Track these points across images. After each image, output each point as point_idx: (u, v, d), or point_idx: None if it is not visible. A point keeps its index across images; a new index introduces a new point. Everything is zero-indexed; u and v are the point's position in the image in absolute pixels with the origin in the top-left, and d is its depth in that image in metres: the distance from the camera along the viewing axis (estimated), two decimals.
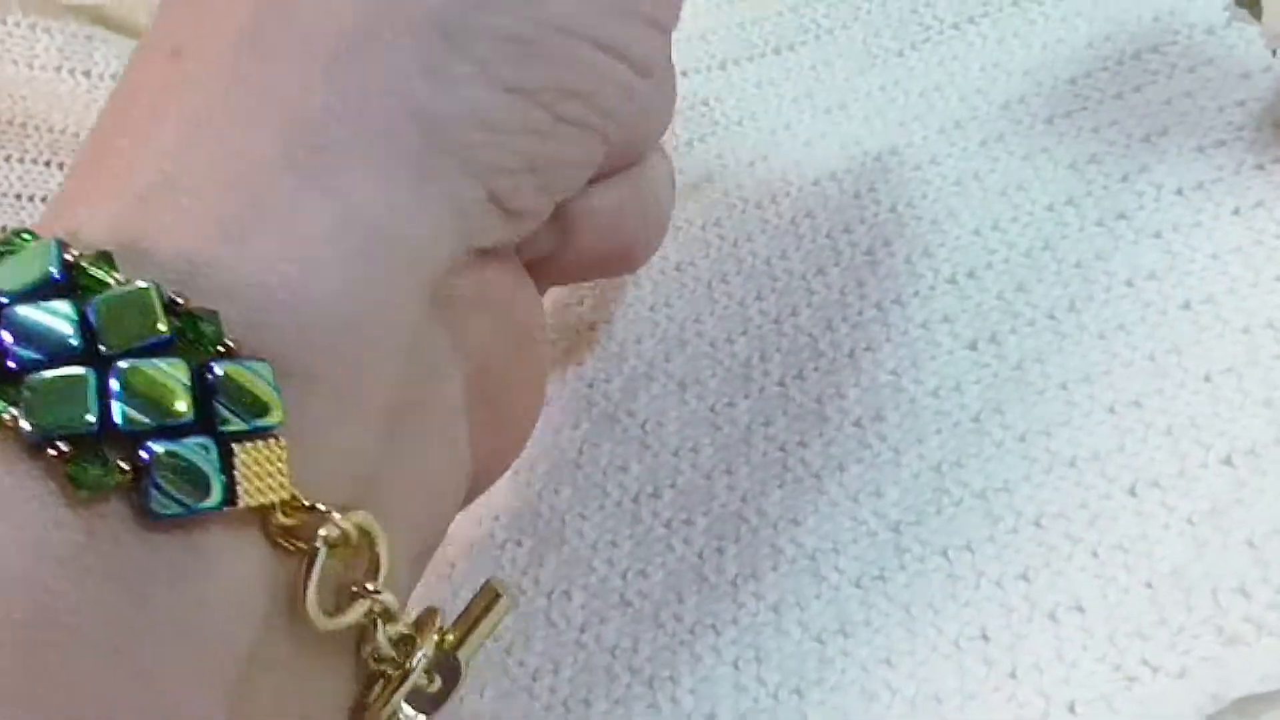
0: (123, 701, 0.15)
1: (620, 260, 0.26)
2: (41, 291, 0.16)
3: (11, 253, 0.16)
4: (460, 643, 0.20)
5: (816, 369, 0.28)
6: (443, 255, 0.19)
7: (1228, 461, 0.21)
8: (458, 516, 0.29)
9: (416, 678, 0.19)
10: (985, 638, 0.21)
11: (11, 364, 0.15)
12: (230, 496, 0.16)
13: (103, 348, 0.15)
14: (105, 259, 0.16)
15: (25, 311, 0.15)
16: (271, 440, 0.16)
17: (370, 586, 0.18)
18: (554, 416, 0.30)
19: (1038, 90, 0.32)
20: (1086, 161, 0.29)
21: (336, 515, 0.17)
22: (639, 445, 0.28)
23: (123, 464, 0.15)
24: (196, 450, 0.16)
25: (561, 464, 0.29)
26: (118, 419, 0.15)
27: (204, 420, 0.16)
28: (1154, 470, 0.22)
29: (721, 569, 0.25)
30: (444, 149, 0.19)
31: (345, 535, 0.17)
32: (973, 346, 0.26)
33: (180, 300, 0.16)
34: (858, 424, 0.26)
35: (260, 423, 0.16)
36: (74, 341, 0.15)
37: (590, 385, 0.31)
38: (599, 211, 0.24)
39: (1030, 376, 0.25)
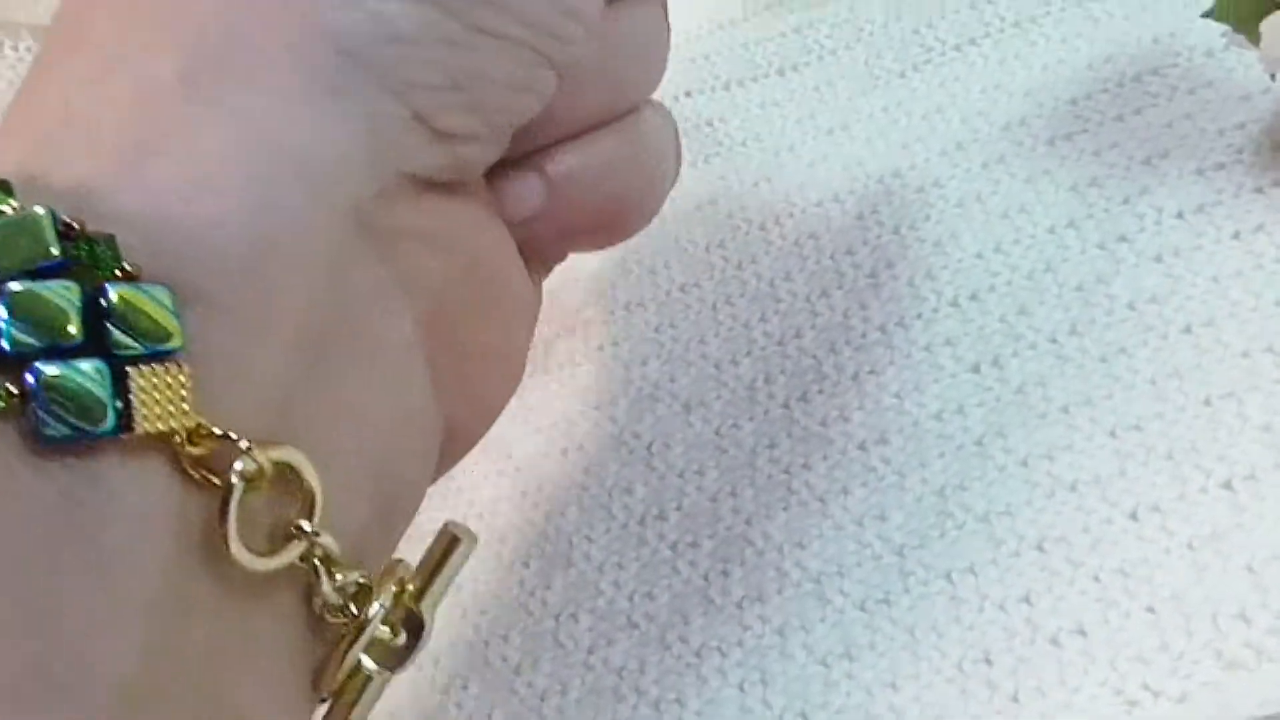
0: (18, 640, 0.14)
1: (615, 220, 0.25)
2: None
3: None
4: (421, 593, 0.19)
5: (821, 391, 0.28)
6: (363, 177, 0.19)
7: (1228, 486, 0.22)
8: None
9: (374, 630, 0.18)
10: (988, 661, 0.21)
11: None
12: (126, 422, 0.15)
13: None
14: (4, 188, 0.16)
15: None
16: (171, 365, 0.16)
17: (306, 527, 0.17)
18: (560, 438, 0.31)
19: (1039, 112, 0.32)
20: (1087, 184, 0.29)
21: (245, 443, 0.16)
22: (645, 467, 0.28)
23: (11, 387, 0.15)
24: (87, 373, 0.15)
25: (568, 486, 0.29)
26: (4, 342, 0.15)
27: (98, 344, 0.15)
28: (1155, 494, 0.22)
29: (727, 591, 0.25)
30: (355, 64, 0.19)
31: (262, 469, 0.16)
32: (975, 369, 0.26)
33: (76, 226, 0.16)
34: (862, 447, 0.26)
35: (158, 347, 0.16)
36: None
37: (596, 407, 0.31)
38: (586, 165, 0.23)
39: (1032, 400, 0.25)
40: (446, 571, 0.19)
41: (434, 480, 0.22)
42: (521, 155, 0.22)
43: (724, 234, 0.34)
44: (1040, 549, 0.22)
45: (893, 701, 0.22)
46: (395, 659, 0.19)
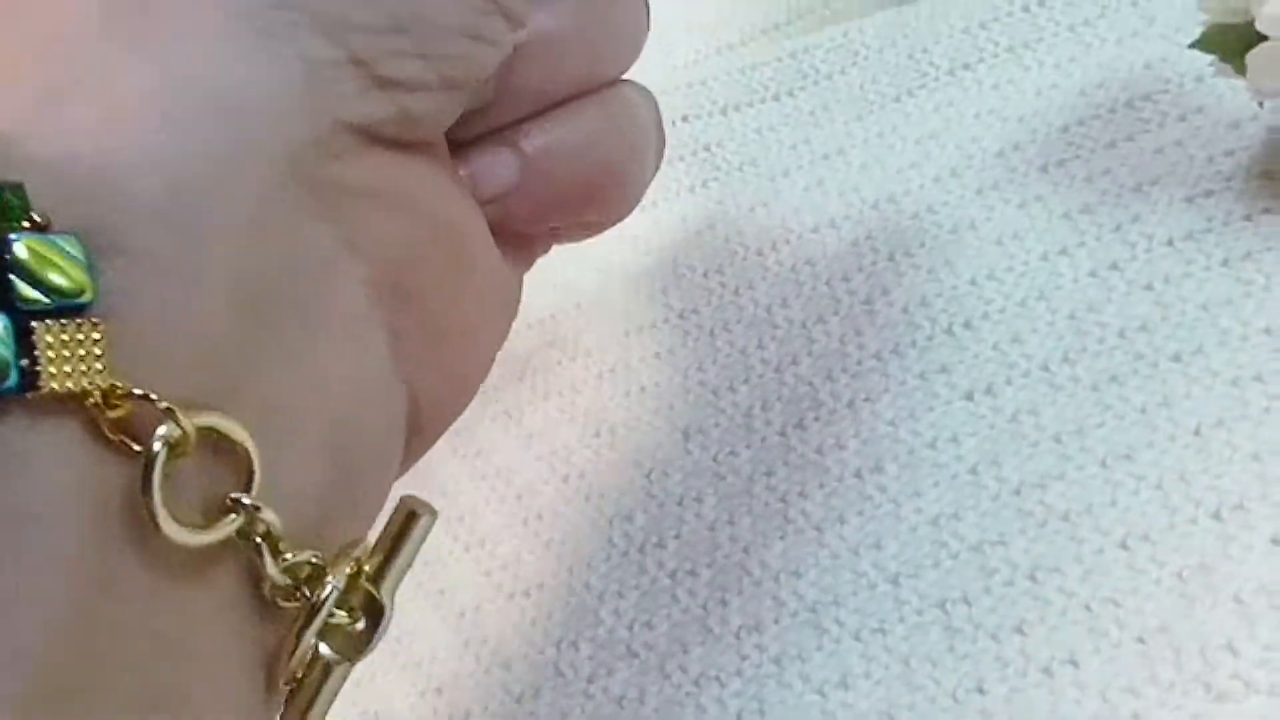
0: None
1: (593, 198, 0.23)
2: None
3: None
4: (379, 573, 0.18)
5: (817, 419, 0.28)
6: (297, 124, 0.18)
7: (1216, 516, 0.22)
8: (465, 567, 0.30)
9: (327, 614, 0.17)
10: (982, 690, 0.22)
11: None
12: (31, 381, 0.14)
13: None
14: None
15: None
16: (84, 321, 0.15)
17: (244, 500, 0.16)
18: (560, 465, 0.31)
19: (1032, 138, 0.32)
20: (1079, 211, 0.29)
21: (165, 404, 0.15)
22: (644, 495, 0.29)
23: None
24: None
25: (568, 513, 0.30)
26: None
27: (3, 299, 0.15)
28: (1145, 524, 0.22)
29: (725, 620, 0.25)
30: (286, 4, 0.18)
31: (186, 435, 0.15)
32: (969, 397, 0.27)
33: None
34: (857, 475, 0.26)
35: (69, 302, 0.15)
36: None
37: (596, 434, 0.31)
38: (561, 138, 0.22)
39: (1025, 428, 0.25)
40: (406, 549, 0.18)
41: (408, 464, 0.21)
42: (494, 130, 0.22)
43: (721, 259, 0.34)
44: (1033, 578, 0.23)
45: None
46: (355, 647, 0.18)
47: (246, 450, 0.16)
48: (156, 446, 0.15)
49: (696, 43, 0.42)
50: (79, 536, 0.15)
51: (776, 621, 0.25)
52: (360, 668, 0.28)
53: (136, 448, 0.15)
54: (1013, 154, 0.32)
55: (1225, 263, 0.26)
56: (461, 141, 0.21)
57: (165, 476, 0.15)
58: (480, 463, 0.32)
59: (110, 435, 0.15)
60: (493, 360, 0.23)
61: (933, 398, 0.27)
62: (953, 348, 0.28)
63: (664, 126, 0.25)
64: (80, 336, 0.15)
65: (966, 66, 0.36)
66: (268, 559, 0.17)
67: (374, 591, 0.18)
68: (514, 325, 0.23)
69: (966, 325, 0.28)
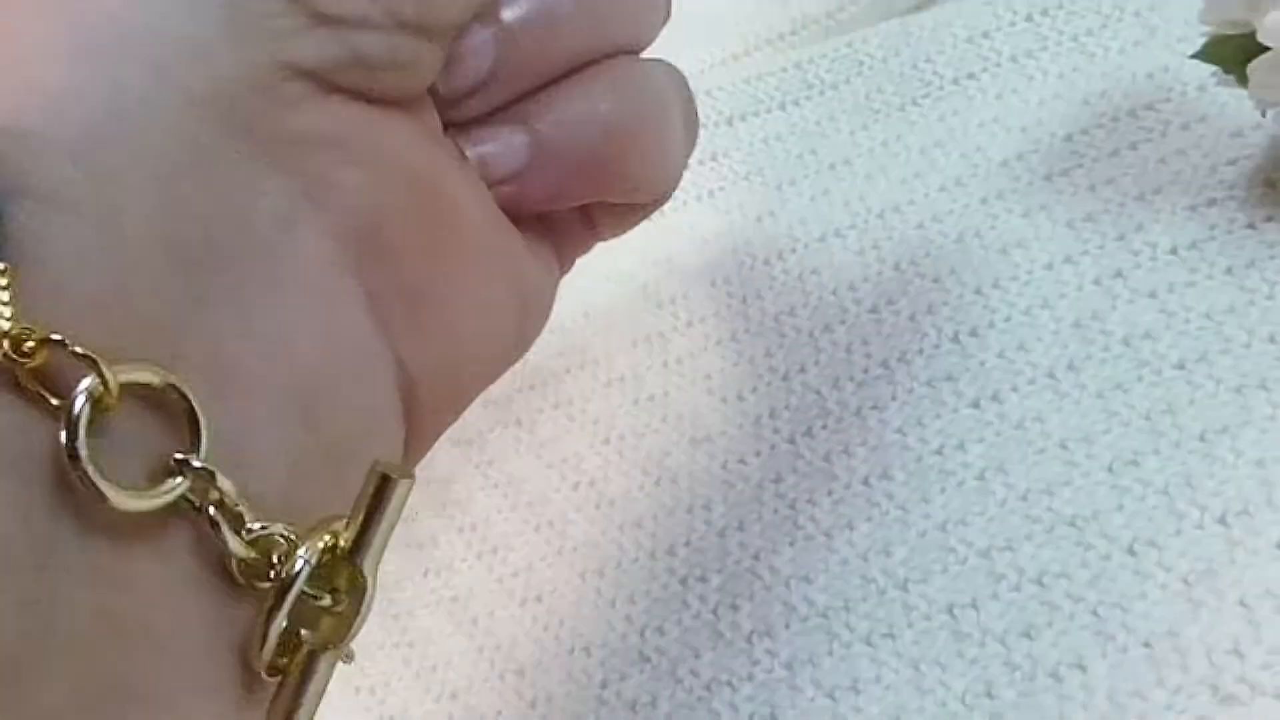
0: None
1: (611, 169, 0.22)
2: None
3: None
4: (357, 546, 0.16)
5: (825, 427, 0.29)
6: (224, 63, 0.17)
7: (1222, 521, 0.22)
8: (477, 574, 0.30)
9: (298, 592, 0.16)
10: (990, 695, 0.22)
11: None
12: None
13: None
14: None
15: None
16: None
17: (193, 462, 0.15)
18: (571, 473, 0.31)
19: (1036, 147, 0.33)
20: (1083, 220, 0.30)
21: (83, 350, 0.14)
22: (654, 502, 0.29)
23: None
24: None
25: (579, 521, 0.30)
26: None
27: None
28: (1151, 530, 0.23)
29: (736, 625, 0.26)
30: None
31: (108, 386, 0.14)
32: (975, 405, 0.27)
33: None
34: (866, 482, 0.27)
35: None
36: None
37: (606, 441, 0.31)
38: (571, 112, 0.21)
39: (1031, 435, 0.26)
40: (383, 519, 0.16)
41: (417, 448, 0.20)
42: (498, 110, 0.21)
43: (728, 269, 0.35)
44: (1040, 583, 0.23)
45: None
46: (339, 631, 0.16)
47: (190, 408, 0.15)
48: (78, 399, 0.14)
49: (702, 53, 0.43)
50: (5, 501, 0.14)
51: (787, 627, 0.25)
52: (375, 674, 0.28)
53: (55, 402, 0.14)
54: (1017, 163, 0.32)
55: (1229, 271, 0.26)
56: (465, 124, 0.21)
57: (95, 435, 0.14)
58: (492, 471, 0.32)
59: (29, 387, 0.14)
60: (499, 341, 0.21)
61: (939, 405, 0.27)
62: (959, 356, 0.28)
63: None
64: None
65: (970, 76, 0.36)
66: (225, 530, 0.15)
67: (356, 567, 0.16)
68: None
69: (972, 333, 0.28)
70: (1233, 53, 0.26)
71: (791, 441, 0.29)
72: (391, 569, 0.30)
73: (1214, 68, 0.27)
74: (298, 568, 0.16)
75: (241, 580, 0.16)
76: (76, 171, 0.15)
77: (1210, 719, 0.20)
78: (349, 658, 0.17)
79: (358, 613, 0.16)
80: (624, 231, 0.25)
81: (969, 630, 0.23)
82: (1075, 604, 0.22)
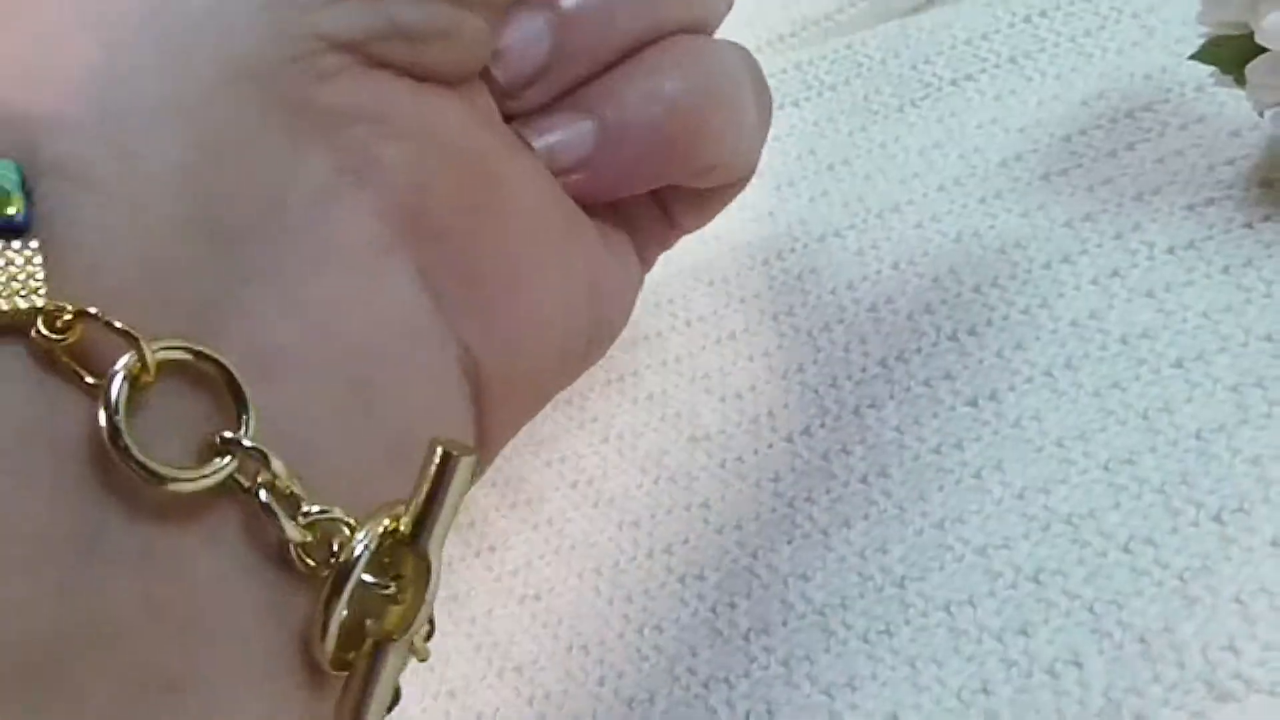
0: None
1: (679, 149, 0.21)
2: None
3: None
4: (419, 528, 0.15)
5: (823, 425, 0.29)
6: (259, 38, 0.16)
7: (1218, 519, 0.22)
8: (475, 572, 0.30)
9: (358, 579, 0.15)
10: (987, 691, 0.22)
11: None
12: None
13: None
14: None
15: None
16: (16, 240, 0.14)
17: (243, 441, 0.15)
18: (570, 472, 0.31)
19: (1034, 147, 0.33)
20: (1082, 219, 0.30)
21: (119, 324, 0.14)
22: (652, 500, 0.29)
23: None
24: None
25: (578, 519, 0.30)
26: None
27: None
28: (1147, 527, 0.23)
29: (734, 623, 0.26)
30: None
31: (145, 360, 0.14)
32: (973, 404, 0.27)
33: None
34: (864, 480, 0.27)
35: None
36: None
37: (605, 440, 0.32)
38: (632, 90, 0.20)
39: (1029, 434, 0.26)
40: (446, 498, 0.16)
41: (493, 439, 0.19)
42: (560, 99, 0.21)
43: (727, 268, 0.35)
44: (1037, 581, 0.23)
45: None
46: (405, 620, 0.16)
47: (235, 385, 0.15)
48: (117, 375, 0.14)
49: None
50: (43, 482, 0.13)
51: (785, 624, 0.25)
52: None
53: (90, 380, 0.14)
54: (1015, 163, 0.33)
55: (1226, 270, 0.26)
56: (528, 115, 0.20)
57: (136, 414, 0.14)
58: (490, 470, 0.32)
59: (65, 366, 0.14)
60: (570, 332, 0.20)
61: (937, 404, 0.27)
62: (957, 354, 0.28)
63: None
64: (11, 255, 0.14)
65: (969, 77, 0.36)
66: (279, 512, 0.15)
67: (414, 549, 0.15)
68: None
69: (970, 332, 0.29)
70: (1231, 54, 0.26)
71: (789, 440, 0.29)
72: None
73: (1212, 68, 0.27)
74: (356, 553, 0.15)
75: (301, 568, 0.15)
76: (104, 150, 0.15)
77: (1206, 715, 0.20)
78: (423, 655, 0.16)
79: (421, 600, 0.16)
80: (703, 221, 0.24)
81: (966, 627, 0.23)
82: (1071, 601, 0.22)
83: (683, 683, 0.25)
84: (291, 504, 0.15)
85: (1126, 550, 0.23)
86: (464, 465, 0.16)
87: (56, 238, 0.14)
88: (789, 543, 0.26)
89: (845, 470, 0.27)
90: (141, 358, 0.14)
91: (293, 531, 0.15)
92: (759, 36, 0.43)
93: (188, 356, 0.14)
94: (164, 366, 0.14)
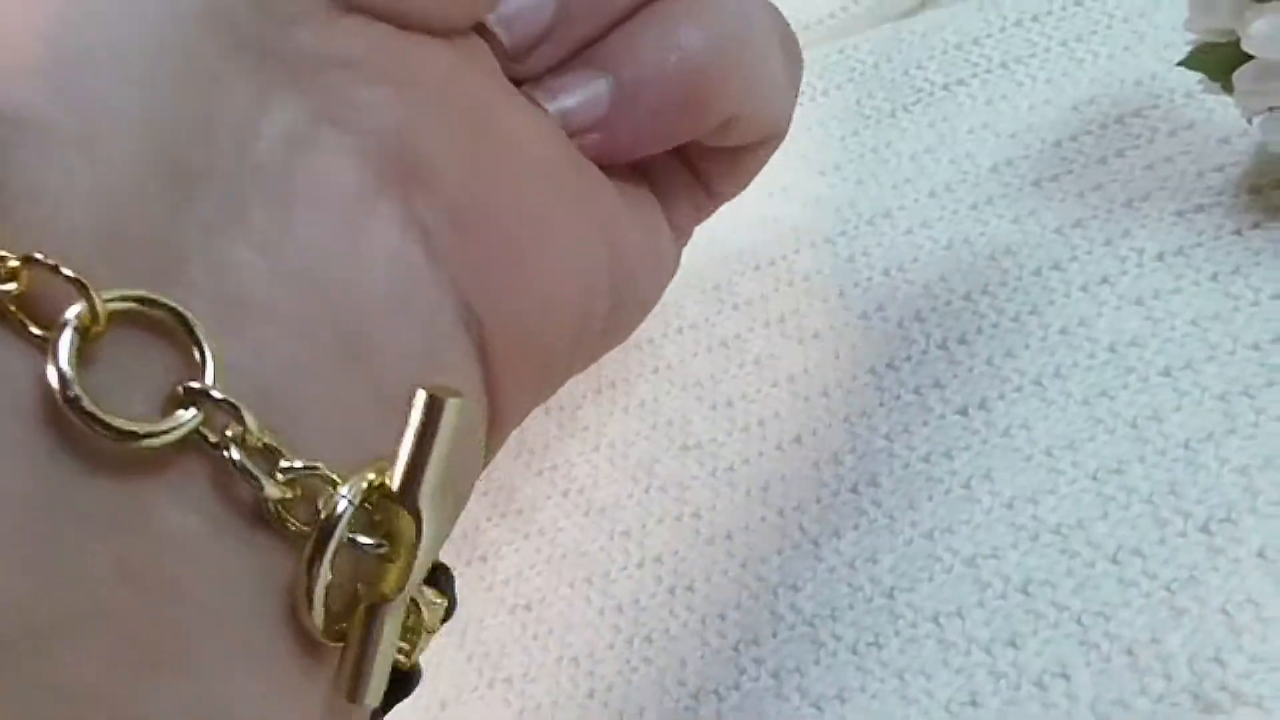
0: None
1: (697, 98, 0.20)
2: None
3: None
4: (409, 478, 0.15)
5: (813, 434, 0.29)
6: None
7: (1205, 529, 0.22)
8: (467, 582, 0.30)
9: (343, 533, 0.14)
10: (975, 703, 0.22)
11: None
12: None
13: None
14: None
15: None
16: None
17: (206, 389, 0.14)
18: (561, 480, 0.31)
19: (1025, 153, 0.33)
20: (1072, 226, 0.30)
21: (67, 271, 0.13)
22: (643, 510, 0.29)
23: None
24: None
25: (569, 529, 0.30)
26: None
27: None
28: (1135, 537, 0.23)
29: (724, 634, 0.26)
30: None
31: (96, 308, 0.13)
32: (963, 412, 0.27)
33: None
34: (853, 489, 0.27)
35: None
36: None
37: (596, 449, 0.32)
38: (643, 43, 0.20)
39: (1018, 443, 0.26)
40: (434, 447, 0.15)
41: (506, 408, 0.18)
42: (574, 56, 0.20)
43: (718, 274, 0.35)
44: (1025, 591, 0.23)
45: None
46: (399, 580, 0.15)
47: (194, 334, 0.14)
48: (67, 323, 0.13)
49: None
50: (8, 443, 0.13)
51: (774, 635, 0.25)
52: None
53: (36, 331, 0.13)
54: (1006, 169, 0.33)
55: (1215, 277, 0.26)
56: (540, 79, 0.20)
57: (95, 367, 0.13)
58: (481, 478, 0.32)
59: (12, 313, 0.13)
60: (582, 293, 0.19)
61: (927, 413, 0.27)
62: (947, 362, 0.28)
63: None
64: None
65: (961, 82, 0.36)
66: (250, 468, 0.14)
67: (404, 503, 0.15)
68: None
69: (960, 340, 0.29)
70: (1218, 61, 0.26)
71: (780, 449, 0.29)
72: None
73: (1200, 76, 0.27)
74: (339, 509, 0.14)
75: (284, 530, 0.14)
76: (58, 97, 0.14)
77: None
78: (433, 626, 0.16)
79: (414, 557, 0.15)
80: (738, 184, 0.23)
81: (954, 639, 0.23)
82: (1060, 612, 0.22)
83: (672, 695, 0.25)
84: (270, 460, 0.14)
85: (1114, 561, 0.23)
86: (451, 409, 0.15)
87: (7, 190, 0.13)
88: (779, 553, 0.26)
89: (835, 479, 0.27)
90: (91, 307, 0.13)
91: (271, 489, 0.14)
92: None
93: (143, 306, 0.14)
94: (117, 317, 0.14)
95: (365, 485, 0.15)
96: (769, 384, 0.31)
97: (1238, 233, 0.27)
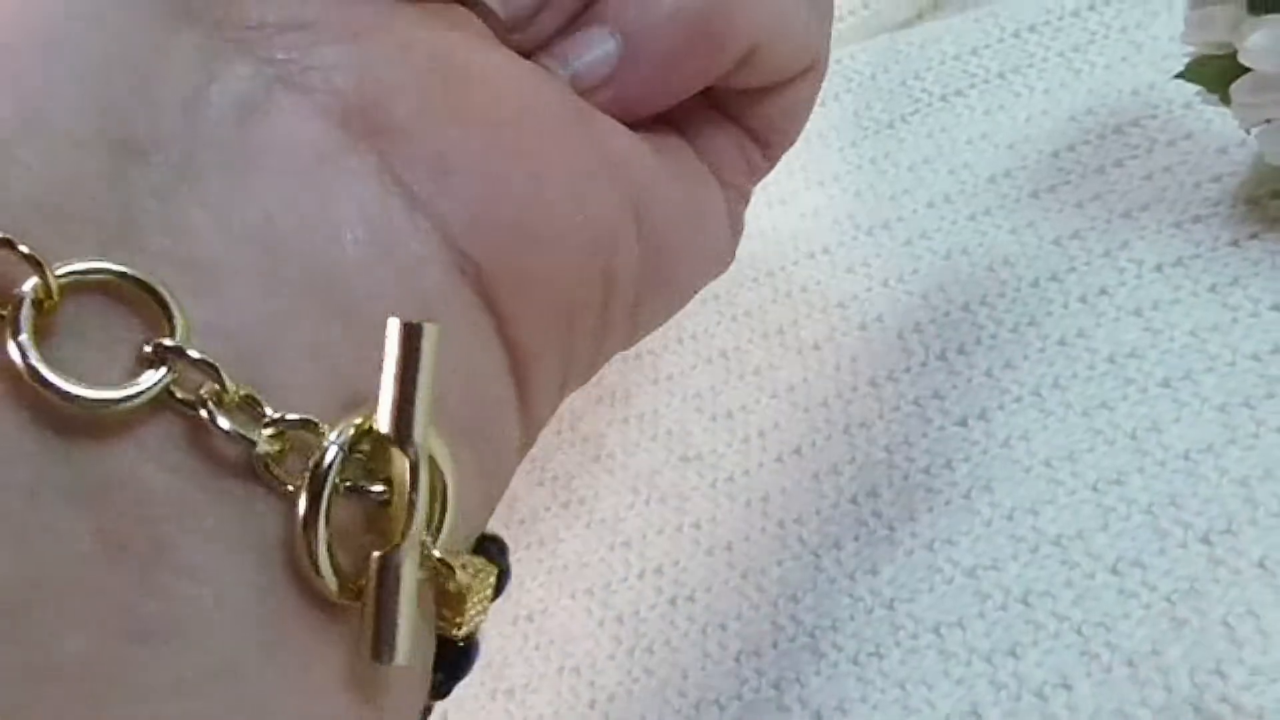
0: None
1: (707, 40, 0.20)
2: None
3: None
4: (399, 416, 0.14)
5: (813, 445, 0.29)
6: None
7: (1205, 540, 0.22)
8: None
9: (333, 479, 0.14)
10: (976, 714, 0.22)
11: None
12: None
13: None
14: None
15: None
16: None
17: (192, 354, 0.14)
18: (561, 491, 0.31)
19: (1023, 164, 0.33)
20: (1070, 237, 0.30)
21: (23, 247, 0.13)
22: (643, 521, 0.29)
23: None
24: None
25: (568, 539, 0.30)
26: None
27: None
28: (1135, 548, 0.23)
29: (724, 645, 0.26)
30: None
31: (48, 283, 0.13)
32: (963, 423, 0.27)
33: None
34: (853, 501, 0.27)
35: None
36: None
37: (596, 460, 0.32)
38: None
39: (1017, 454, 0.26)
40: (420, 377, 0.14)
41: (529, 352, 0.18)
42: (576, 16, 0.20)
43: (718, 285, 0.35)
44: (1025, 603, 0.23)
45: None
46: (405, 523, 0.14)
47: (158, 296, 0.14)
48: (24, 297, 0.13)
49: None
50: None
51: (775, 646, 0.25)
52: None
53: None
54: (1004, 180, 0.33)
55: (1213, 288, 0.27)
56: (546, 43, 0.20)
57: (62, 339, 0.13)
58: None
59: None
60: (590, 238, 0.18)
61: (926, 424, 0.27)
62: (946, 373, 0.28)
63: None
64: None
65: (959, 92, 0.37)
66: (225, 424, 0.14)
67: (398, 442, 0.14)
68: None
69: (960, 351, 0.29)
70: (1215, 73, 0.26)
71: (780, 460, 0.29)
72: None
73: (1197, 87, 0.27)
74: (329, 457, 0.14)
75: (283, 488, 0.14)
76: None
77: None
78: (476, 593, 0.15)
79: (413, 496, 0.14)
80: (787, 127, 0.22)
81: (955, 649, 0.23)
82: (1060, 623, 0.22)
83: (673, 705, 0.25)
84: (253, 416, 0.14)
85: (1115, 572, 0.23)
86: (430, 334, 0.14)
87: None
88: (779, 563, 0.26)
89: (835, 490, 0.27)
90: (45, 281, 0.13)
91: (260, 444, 0.14)
92: None
93: (102, 275, 0.14)
94: (80, 288, 0.14)
95: (354, 431, 0.14)
96: (768, 395, 0.31)
97: (1235, 244, 0.27)
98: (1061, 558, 0.23)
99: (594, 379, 0.33)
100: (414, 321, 0.14)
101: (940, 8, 0.43)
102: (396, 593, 0.14)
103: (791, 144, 0.23)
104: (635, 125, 0.20)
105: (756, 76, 0.21)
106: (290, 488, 0.14)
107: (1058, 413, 0.26)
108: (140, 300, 0.14)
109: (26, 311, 0.13)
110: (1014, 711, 0.22)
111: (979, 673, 0.23)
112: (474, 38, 0.18)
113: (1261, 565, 0.21)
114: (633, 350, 0.34)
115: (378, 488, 0.15)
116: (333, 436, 0.14)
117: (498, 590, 0.17)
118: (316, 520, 0.14)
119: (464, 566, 0.16)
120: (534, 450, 0.33)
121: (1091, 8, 0.36)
